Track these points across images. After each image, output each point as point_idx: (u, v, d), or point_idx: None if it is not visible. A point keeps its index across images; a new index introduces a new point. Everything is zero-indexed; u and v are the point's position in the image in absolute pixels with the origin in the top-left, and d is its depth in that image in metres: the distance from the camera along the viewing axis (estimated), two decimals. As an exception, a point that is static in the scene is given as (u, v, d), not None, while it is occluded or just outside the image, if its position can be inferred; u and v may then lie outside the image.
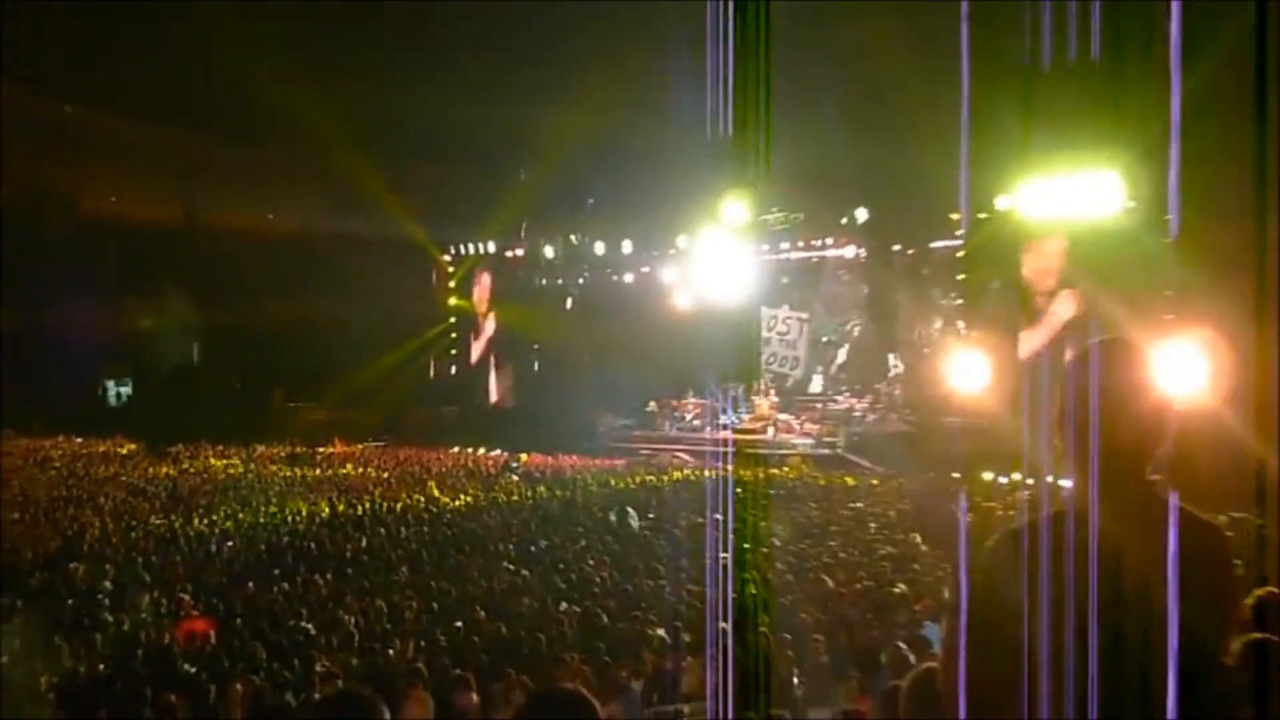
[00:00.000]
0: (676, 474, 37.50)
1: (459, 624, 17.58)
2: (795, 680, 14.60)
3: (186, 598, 19.11)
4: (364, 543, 24.68)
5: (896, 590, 19.40)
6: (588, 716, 4.07)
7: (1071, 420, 3.50)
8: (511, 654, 15.93)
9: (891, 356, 45.24)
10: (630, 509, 28.84)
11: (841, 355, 47.40)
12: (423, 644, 16.46)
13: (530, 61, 44.47)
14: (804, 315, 47.26)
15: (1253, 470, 26.68)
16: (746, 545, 22.48)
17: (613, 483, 35.64)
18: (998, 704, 3.48)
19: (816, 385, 47.37)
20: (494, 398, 57.59)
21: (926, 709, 4.99)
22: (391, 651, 15.99)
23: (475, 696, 14.21)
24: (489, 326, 58.78)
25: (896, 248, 44.32)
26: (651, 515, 28.41)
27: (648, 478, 36.71)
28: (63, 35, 48.36)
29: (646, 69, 37.67)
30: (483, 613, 18.31)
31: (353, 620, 17.75)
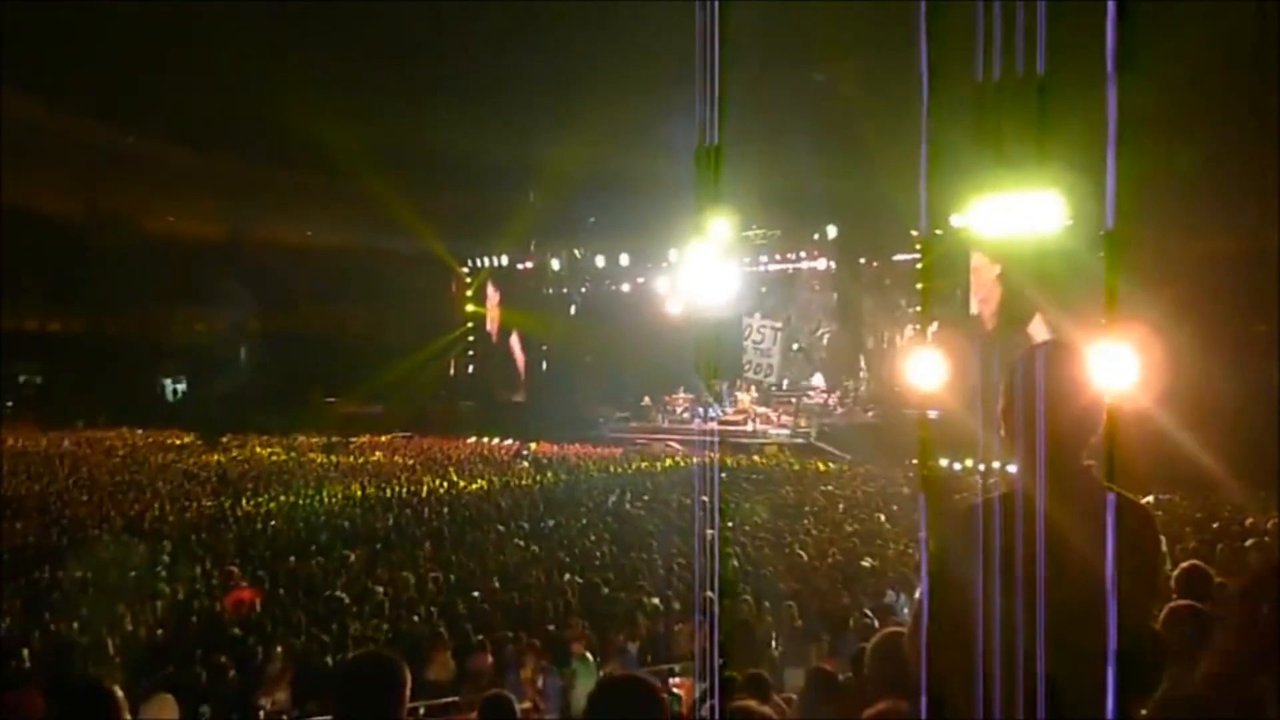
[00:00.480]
0: (668, 461, 37.48)
1: (476, 593, 17.57)
2: (773, 642, 14.59)
3: (235, 570, 19.08)
4: (392, 522, 24.65)
5: (864, 563, 19.42)
6: (653, 704, 4.02)
7: (1018, 412, 3.52)
8: (523, 620, 15.92)
9: (860, 357, 45.35)
10: (626, 491, 28.87)
11: (813, 357, 47.48)
12: (444, 611, 16.43)
13: (537, 97, 44.55)
14: (778, 324, 47.35)
15: (1176, 456, 26.84)
16: (730, 523, 22.52)
17: (611, 468, 35.65)
18: (955, 664, 3.48)
19: (791, 382, 47.45)
20: (506, 394, 57.59)
21: (888, 667, 5.00)
22: (416, 618, 15.97)
23: (490, 658, 14.20)
24: (501, 331, 58.87)
25: (863, 260, 44.43)
26: (646, 497, 28.42)
27: (642, 464, 36.70)
28: (126, 71, 48.35)
29: (642, 103, 37.77)
30: (497, 583, 18.31)
31: (382, 590, 17.73)
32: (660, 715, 3.98)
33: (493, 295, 58.41)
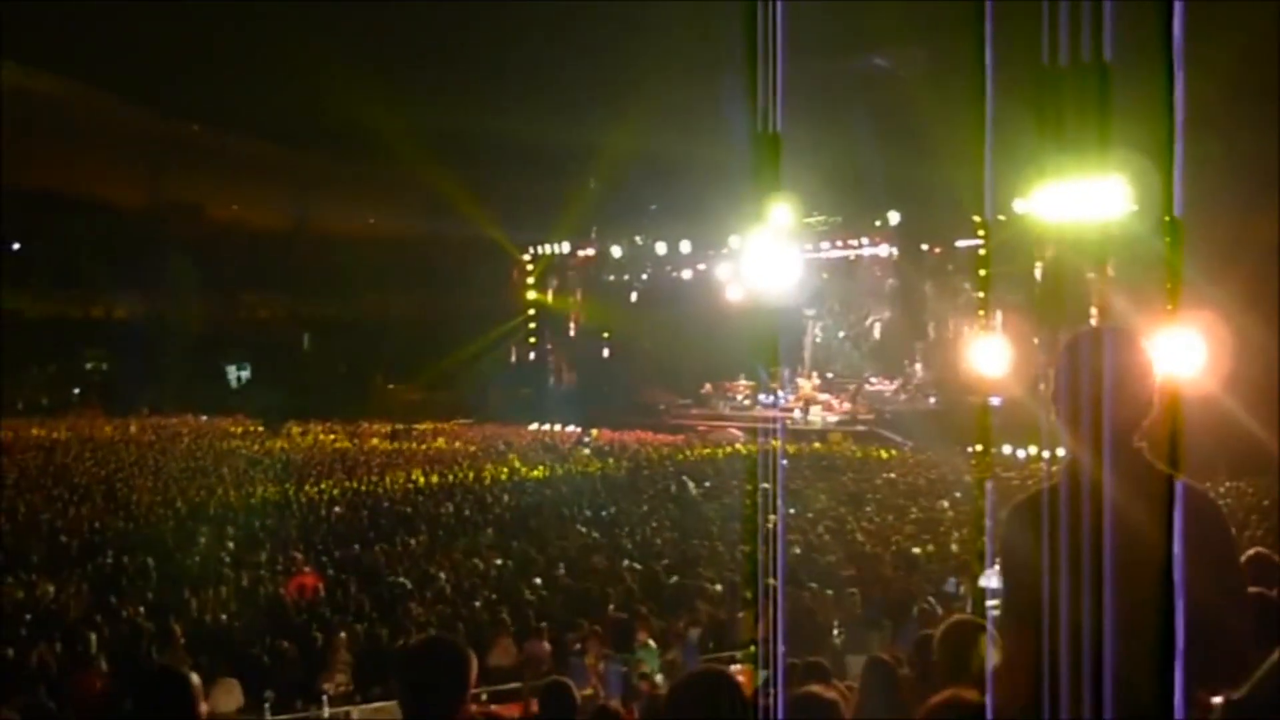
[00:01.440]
0: (728, 448, 37.38)
1: (538, 580, 17.63)
2: (835, 630, 14.57)
3: (299, 556, 19.24)
4: (453, 508, 24.75)
5: (926, 550, 19.35)
6: (735, 696, 4.02)
7: (1065, 396, 3.50)
8: (585, 607, 15.96)
9: (922, 343, 45.07)
10: (687, 478, 28.85)
11: (873, 344, 47.33)
12: (506, 598, 16.50)
13: (599, 84, 44.60)
14: (839, 311, 47.35)
15: (1244, 442, 26.55)
16: (791, 510, 22.49)
17: (672, 455, 35.59)
18: (1022, 653, 3.48)
19: (853, 369, 47.30)
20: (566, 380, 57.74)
21: (955, 655, 4.99)
22: (479, 604, 16.04)
23: (547, 645, 14.24)
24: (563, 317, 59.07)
25: (925, 246, 44.12)
26: (707, 484, 28.39)
27: (703, 451, 36.62)
28: (191, 63, 48.85)
29: (703, 89, 37.75)
30: (560, 569, 18.36)
31: (444, 576, 17.82)
32: (743, 711, 3.98)
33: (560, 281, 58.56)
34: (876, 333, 47.31)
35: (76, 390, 54.43)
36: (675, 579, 17.64)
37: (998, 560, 3.74)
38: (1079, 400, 3.42)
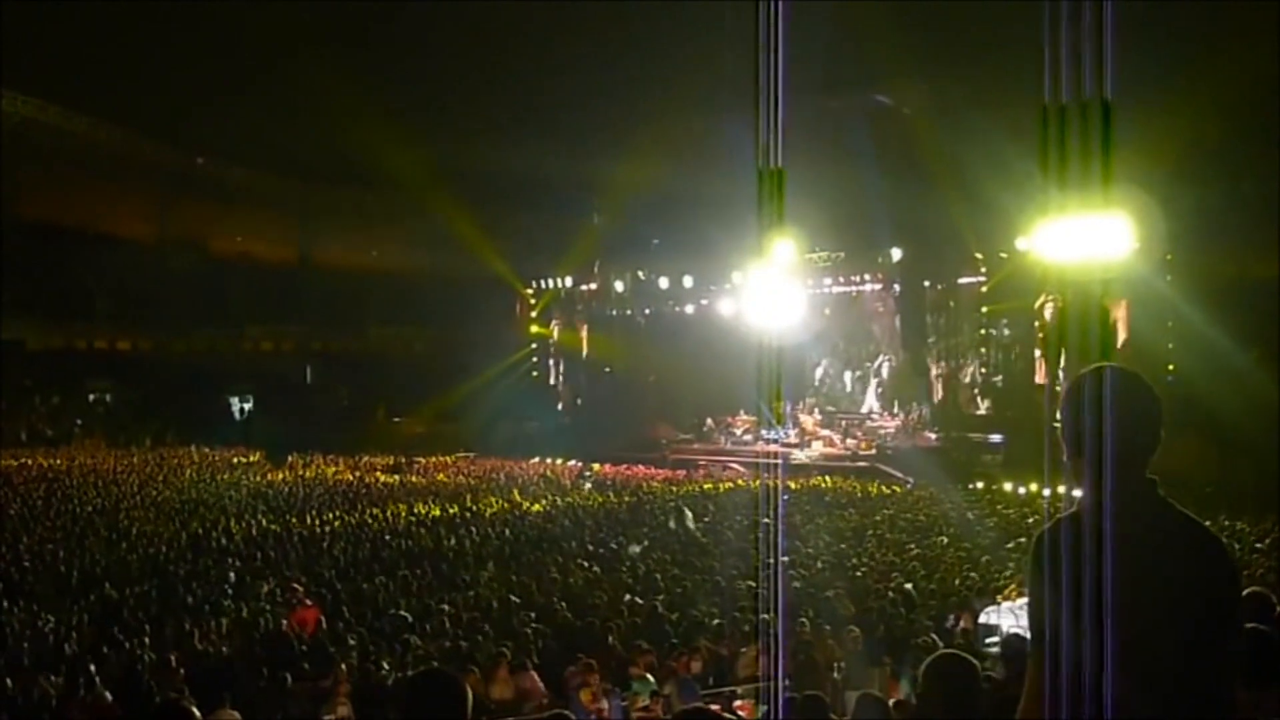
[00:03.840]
0: (729, 483, 37.37)
1: (534, 614, 17.60)
2: (835, 666, 14.53)
3: (299, 588, 19.20)
4: (455, 541, 24.71)
5: (927, 587, 19.31)
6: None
7: (1070, 434, 3.54)
8: (585, 641, 15.92)
9: (923, 380, 45.09)
10: (688, 511, 28.80)
11: (875, 381, 47.38)
12: (506, 631, 16.46)
13: (602, 119, 44.79)
14: (840, 347, 47.46)
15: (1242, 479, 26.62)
16: (792, 546, 22.46)
17: (674, 489, 35.58)
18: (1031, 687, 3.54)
19: (855, 405, 47.39)
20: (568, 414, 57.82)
21: (942, 688, 5.05)
22: (480, 637, 16.01)
23: (539, 680, 14.21)
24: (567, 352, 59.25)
25: (927, 284, 44.23)
26: (707, 519, 28.36)
27: (704, 486, 36.61)
28: (195, 95, 49.08)
29: (706, 125, 37.95)
30: (560, 603, 18.32)
31: (445, 609, 17.79)
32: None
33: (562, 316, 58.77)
34: (878, 368, 47.37)
35: (79, 421, 54.40)
36: (676, 614, 17.59)
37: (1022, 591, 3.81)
38: (1087, 438, 3.45)
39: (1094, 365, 3.57)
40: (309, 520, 28.12)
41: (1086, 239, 25.35)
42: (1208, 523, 3.58)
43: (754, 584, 17.91)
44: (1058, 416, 3.59)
